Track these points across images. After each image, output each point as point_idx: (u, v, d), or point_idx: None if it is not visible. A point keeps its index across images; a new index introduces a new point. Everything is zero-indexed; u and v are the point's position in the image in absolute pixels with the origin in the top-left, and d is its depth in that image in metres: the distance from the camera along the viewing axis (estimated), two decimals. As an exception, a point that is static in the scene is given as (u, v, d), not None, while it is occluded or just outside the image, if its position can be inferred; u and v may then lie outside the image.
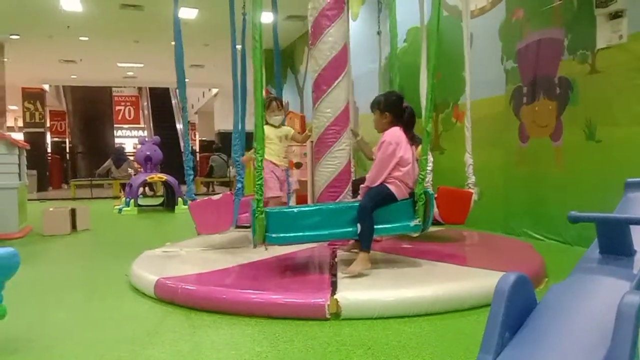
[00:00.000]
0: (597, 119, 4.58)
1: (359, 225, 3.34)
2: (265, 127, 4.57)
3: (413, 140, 3.59)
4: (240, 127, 4.93)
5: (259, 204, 3.28)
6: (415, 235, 4.06)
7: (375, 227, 3.37)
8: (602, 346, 1.31)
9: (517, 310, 1.49)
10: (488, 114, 5.97)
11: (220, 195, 4.69)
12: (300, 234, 3.39)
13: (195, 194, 4.59)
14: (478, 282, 3.00)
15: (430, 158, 3.89)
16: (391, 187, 3.41)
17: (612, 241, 1.59)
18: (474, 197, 4.57)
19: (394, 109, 3.57)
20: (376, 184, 3.44)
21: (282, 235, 3.35)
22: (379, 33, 5.90)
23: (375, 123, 3.69)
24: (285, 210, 3.57)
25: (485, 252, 4.44)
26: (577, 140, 4.77)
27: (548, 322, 1.47)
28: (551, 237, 5.04)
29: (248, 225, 4.79)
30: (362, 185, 3.61)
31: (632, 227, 1.57)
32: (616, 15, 4.35)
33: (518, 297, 1.49)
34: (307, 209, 3.60)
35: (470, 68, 4.97)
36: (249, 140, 4.61)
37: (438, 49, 3.69)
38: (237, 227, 4.54)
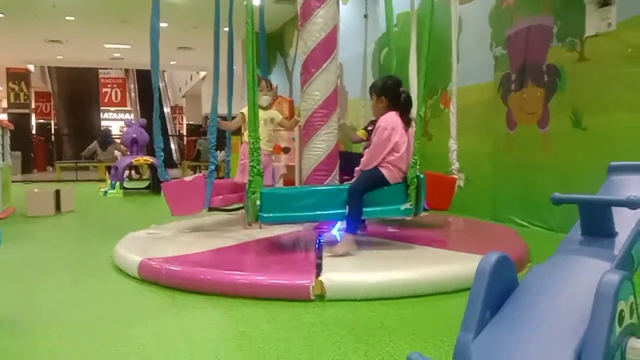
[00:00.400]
0: (584, 107, 4.60)
1: (347, 207, 3.36)
2: None
3: (409, 124, 3.58)
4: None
5: (252, 184, 3.28)
6: (408, 218, 4.09)
7: (366, 209, 3.39)
8: (582, 325, 1.32)
9: (498, 290, 1.50)
10: (476, 101, 5.97)
11: (193, 176, 4.64)
12: (293, 214, 3.44)
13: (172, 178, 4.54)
14: (461, 265, 3.01)
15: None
16: (384, 171, 3.42)
17: (594, 223, 1.60)
18: (459, 183, 4.58)
19: (390, 93, 3.56)
20: (369, 167, 3.44)
21: (275, 215, 3.38)
22: (365, 16, 5.86)
23: (372, 108, 3.71)
24: (278, 190, 3.59)
25: (470, 237, 4.47)
26: (563, 128, 4.79)
27: (529, 301, 1.48)
28: (536, 224, 5.08)
29: (220, 207, 4.79)
30: (356, 169, 3.60)
31: (613, 209, 1.58)
32: (605, 3, 4.35)
33: (499, 277, 1.50)
34: (300, 190, 3.62)
35: (457, 54, 4.96)
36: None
37: (431, 34, 3.68)
38: (210, 209, 4.51)
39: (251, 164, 3.34)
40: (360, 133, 4.64)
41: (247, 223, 4.49)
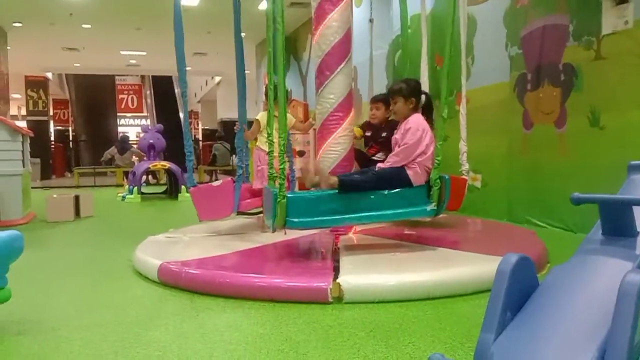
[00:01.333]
0: (601, 106, 4.56)
1: (357, 177, 3.47)
2: (264, 118, 4.57)
3: (432, 125, 3.63)
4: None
5: (282, 188, 3.29)
6: (428, 219, 4.10)
7: (394, 212, 3.46)
8: (603, 326, 1.31)
9: (518, 291, 1.49)
10: (492, 101, 5.95)
11: (221, 181, 4.69)
12: (321, 218, 3.42)
13: (198, 182, 4.61)
14: (480, 266, 3.00)
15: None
16: (409, 172, 3.46)
17: (615, 222, 1.59)
18: (474, 184, 4.59)
19: (417, 94, 3.66)
20: (396, 166, 3.47)
21: (303, 219, 3.38)
22: (371, 21, 5.86)
23: (398, 110, 3.72)
24: (305, 194, 3.58)
25: (487, 238, 4.44)
26: (581, 127, 4.75)
27: (550, 302, 1.47)
28: (554, 224, 5.04)
29: (249, 211, 4.82)
30: (379, 165, 3.63)
31: (634, 208, 1.56)
32: (622, 1, 4.31)
33: (520, 278, 1.50)
34: (327, 193, 3.61)
35: (465, 55, 4.94)
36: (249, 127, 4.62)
37: (453, 35, 3.69)
38: (238, 213, 4.56)
39: (281, 167, 3.35)
40: (356, 131, 4.60)
41: (266, 227, 4.52)
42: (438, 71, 6.77)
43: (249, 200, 4.59)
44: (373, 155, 4.55)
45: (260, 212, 4.95)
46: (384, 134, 4.51)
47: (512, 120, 5.65)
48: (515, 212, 5.60)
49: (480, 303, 2.66)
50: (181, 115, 24.99)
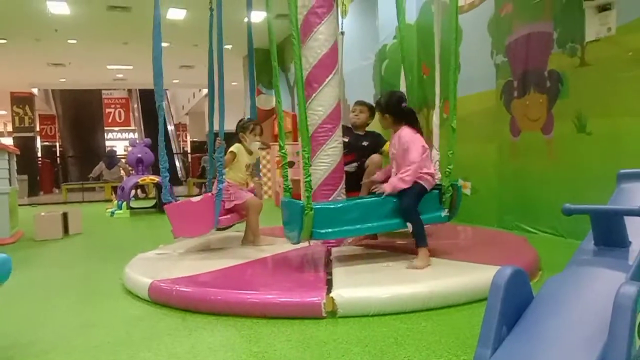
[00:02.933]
0: (588, 112, 4.60)
1: (409, 225, 3.46)
2: (240, 152, 4.60)
3: (422, 134, 3.71)
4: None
5: (309, 201, 3.30)
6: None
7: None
8: (600, 338, 1.31)
9: (513, 304, 1.49)
10: (479, 109, 5.99)
11: (201, 196, 4.60)
12: (345, 228, 3.46)
13: (187, 196, 4.55)
14: (473, 276, 3.00)
15: (438, 156, 4.03)
16: (423, 183, 3.55)
17: (607, 233, 1.60)
18: (463, 191, 4.62)
19: (393, 109, 3.70)
20: (412, 181, 3.51)
21: (329, 230, 3.40)
22: (342, 33, 5.87)
23: (380, 122, 3.87)
24: (329, 205, 3.58)
25: (479, 246, 4.44)
26: (568, 133, 4.79)
27: (545, 315, 1.47)
28: (545, 230, 5.06)
29: (226, 227, 4.78)
30: (393, 180, 3.61)
31: (626, 218, 1.57)
32: (604, 8, 4.37)
33: (514, 291, 1.49)
34: (350, 203, 3.65)
35: (440, 64, 4.92)
36: (227, 140, 4.55)
37: (458, 45, 3.77)
38: (218, 229, 4.51)
39: (306, 180, 3.36)
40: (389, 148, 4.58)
41: (249, 241, 4.50)
42: (425, 80, 6.82)
43: (228, 216, 4.53)
44: (347, 164, 4.42)
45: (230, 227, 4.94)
46: (365, 143, 4.51)
47: (499, 127, 5.69)
48: (506, 219, 5.62)
49: (475, 313, 2.65)
50: (169, 127, 24.97)
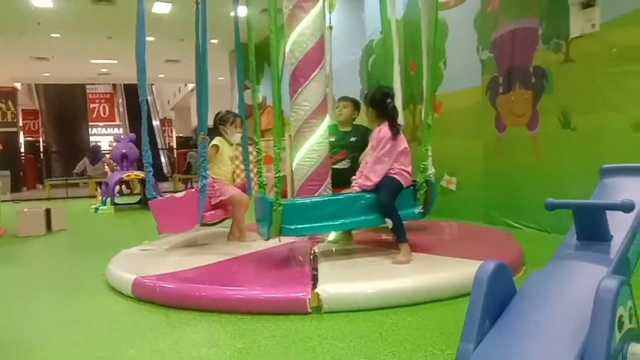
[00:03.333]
0: (572, 107, 4.64)
1: (388, 221, 3.44)
2: (222, 144, 4.57)
3: (398, 132, 3.62)
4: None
5: (277, 197, 3.27)
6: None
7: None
8: (582, 332, 1.32)
9: (496, 299, 1.49)
10: (465, 105, 6.01)
11: (184, 192, 4.56)
12: (316, 224, 3.43)
13: (173, 192, 4.51)
14: (458, 271, 3.01)
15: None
16: (399, 178, 3.53)
17: (589, 227, 1.61)
18: (449, 186, 4.62)
19: (377, 104, 3.67)
20: (380, 178, 3.50)
21: (299, 226, 3.38)
22: (330, 28, 5.86)
23: (366, 116, 3.86)
24: (299, 201, 3.57)
25: (463, 241, 4.46)
26: (552, 129, 4.82)
27: (527, 309, 1.47)
28: (529, 225, 5.10)
29: (212, 222, 4.75)
30: (358, 181, 3.64)
31: (608, 212, 1.58)
32: (588, 5, 4.40)
33: (497, 285, 1.50)
34: (321, 199, 3.63)
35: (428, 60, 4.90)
36: (211, 134, 4.52)
37: (436, 40, 3.74)
38: (203, 224, 4.48)
39: (276, 175, 3.33)
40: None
41: (235, 236, 4.48)
42: (411, 76, 6.82)
43: (212, 212, 4.50)
44: (336, 163, 4.45)
45: (218, 223, 4.91)
46: (353, 139, 4.50)
47: (485, 123, 5.71)
48: (491, 214, 5.66)
49: (459, 307, 2.66)
50: (154, 123, 24.75)
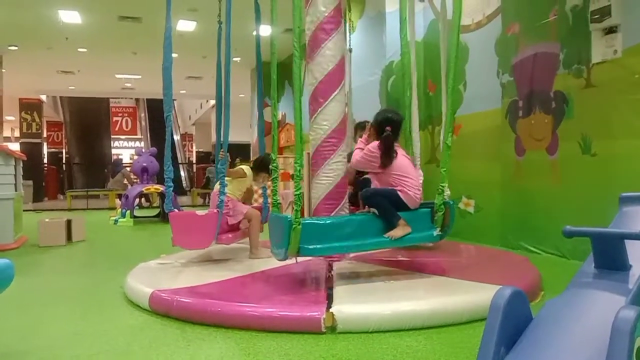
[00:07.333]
0: (593, 133, 4.60)
1: (373, 211, 3.49)
2: (249, 176, 4.73)
3: (389, 160, 3.69)
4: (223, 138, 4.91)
5: (297, 215, 3.21)
6: (430, 245, 4.25)
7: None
8: (598, 361, 1.31)
9: (512, 325, 1.49)
10: (484, 127, 6.00)
11: (207, 211, 4.59)
12: (335, 244, 3.38)
13: (192, 206, 4.57)
14: (475, 295, 2.99)
15: (420, 172, 3.94)
16: (400, 194, 3.57)
17: (607, 256, 1.60)
18: (467, 209, 4.58)
19: (376, 126, 3.81)
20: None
21: (317, 246, 3.31)
22: (350, 50, 5.91)
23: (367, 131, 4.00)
24: (318, 220, 3.54)
25: (481, 265, 4.43)
26: (572, 154, 4.79)
27: (544, 337, 1.47)
28: (548, 251, 5.04)
29: (226, 244, 4.80)
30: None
31: (626, 241, 1.57)
32: (611, 30, 4.39)
33: (513, 312, 1.49)
34: (339, 219, 3.60)
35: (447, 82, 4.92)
36: (231, 151, 4.60)
37: (457, 61, 3.73)
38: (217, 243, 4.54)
39: (296, 193, 3.31)
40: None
41: (259, 254, 4.50)
42: (430, 97, 6.84)
43: (229, 235, 4.54)
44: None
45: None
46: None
47: (504, 146, 5.69)
48: (509, 238, 5.60)
49: (475, 332, 2.64)
50: (175, 137, 25.03)
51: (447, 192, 4.27)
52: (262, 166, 4.73)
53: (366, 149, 3.73)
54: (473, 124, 6.14)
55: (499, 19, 5.85)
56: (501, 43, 5.82)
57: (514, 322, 1.49)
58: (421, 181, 3.78)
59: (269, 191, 4.90)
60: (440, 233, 3.61)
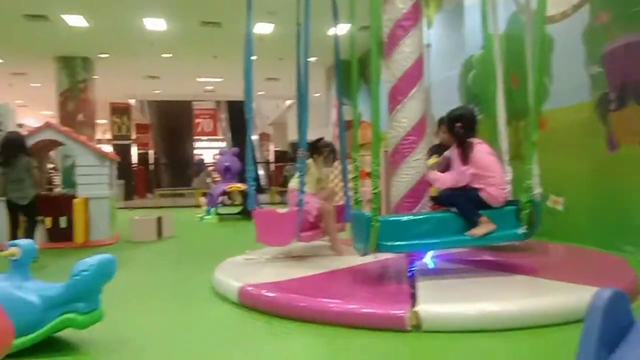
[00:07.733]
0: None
1: (454, 210, 3.48)
2: (311, 166, 4.77)
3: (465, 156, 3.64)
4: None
5: (375, 213, 3.29)
6: (516, 243, 4.09)
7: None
8: None
9: (613, 329, 1.43)
10: (572, 122, 5.72)
11: (288, 210, 4.68)
12: (414, 242, 3.44)
13: (270, 204, 4.70)
14: (566, 296, 2.87)
15: (509, 169, 3.82)
16: (481, 193, 3.51)
17: None
18: (555, 206, 4.38)
19: (449, 124, 3.82)
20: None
21: (395, 243, 3.39)
22: (428, 46, 5.78)
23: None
24: (396, 217, 3.59)
25: (573, 265, 4.22)
26: (672, 148, 4.46)
27: (648, 342, 1.39)
28: (645, 251, 4.73)
29: (307, 241, 4.87)
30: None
31: None
32: None
33: (614, 315, 1.43)
34: (417, 217, 3.62)
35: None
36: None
37: (542, 54, 3.62)
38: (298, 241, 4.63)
39: (374, 191, 3.37)
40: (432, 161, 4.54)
41: (343, 251, 4.55)
42: (514, 92, 6.61)
43: (309, 233, 4.62)
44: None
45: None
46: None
47: (594, 141, 5.39)
48: (601, 238, 5.30)
49: (567, 335, 2.54)
50: (254, 137, 25.68)
51: (539, 190, 4.11)
52: (314, 151, 4.81)
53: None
54: (560, 119, 5.86)
55: (586, 8, 5.55)
56: (589, 33, 5.51)
57: (614, 325, 1.43)
58: (509, 178, 3.68)
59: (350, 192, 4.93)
60: (525, 231, 3.49)
